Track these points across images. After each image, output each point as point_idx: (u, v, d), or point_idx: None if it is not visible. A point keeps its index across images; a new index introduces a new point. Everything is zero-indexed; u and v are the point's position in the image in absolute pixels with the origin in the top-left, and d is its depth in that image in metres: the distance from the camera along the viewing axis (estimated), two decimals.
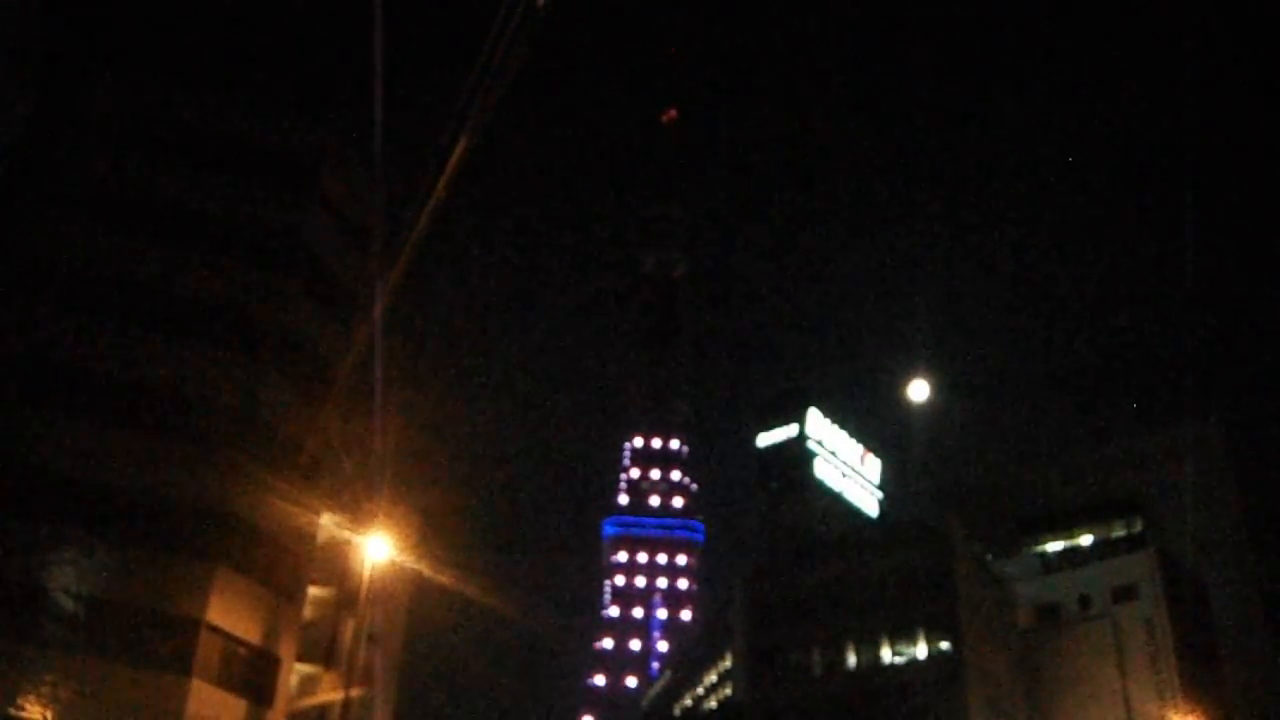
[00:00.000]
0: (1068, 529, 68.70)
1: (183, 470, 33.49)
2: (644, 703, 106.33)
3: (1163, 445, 78.34)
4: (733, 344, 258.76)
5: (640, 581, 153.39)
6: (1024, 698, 59.74)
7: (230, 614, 33.12)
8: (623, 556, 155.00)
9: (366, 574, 30.72)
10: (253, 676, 33.87)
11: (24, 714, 29.19)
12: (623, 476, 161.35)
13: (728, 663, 70.85)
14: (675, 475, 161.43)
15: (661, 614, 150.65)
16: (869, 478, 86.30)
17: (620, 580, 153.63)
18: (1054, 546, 68.34)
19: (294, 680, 36.65)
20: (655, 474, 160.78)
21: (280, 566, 35.47)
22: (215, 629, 32.60)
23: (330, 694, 37.83)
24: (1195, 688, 57.53)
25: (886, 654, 58.36)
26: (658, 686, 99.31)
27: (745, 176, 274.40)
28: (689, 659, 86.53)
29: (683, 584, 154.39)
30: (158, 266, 35.86)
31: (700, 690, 78.99)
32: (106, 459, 32.84)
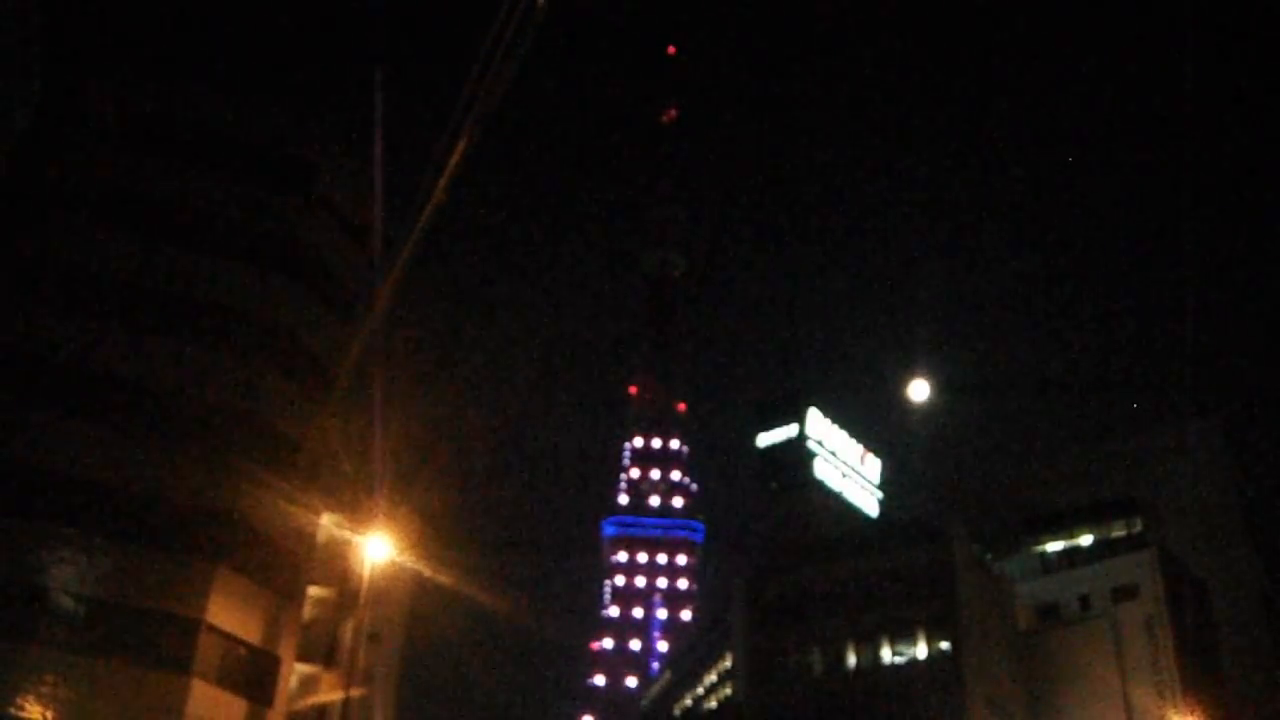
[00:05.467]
0: (1068, 529, 68.61)
1: (183, 470, 33.50)
2: (644, 703, 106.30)
3: (1163, 445, 78.18)
4: (733, 344, 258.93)
5: (640, 581, 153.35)
6: (1024, 698, 59.73)
7: (230, 614, 33.14)
8: (623, 556, 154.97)
9: (366, 574, 30.73)
10: (253, 676, 33.90)
11: (24, 714, 29.19)
12: (623, 476, 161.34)
13: (728, 663, 70.85)
14: (675, 475, 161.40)
15: (661, 614, 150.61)
16: (869, 478, 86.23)
17: (620, 580, 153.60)
18: (1054, 546, 68.26)
19: (294, 680, 36.67)
20: (655, 474, 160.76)
21: (280, 566, 35.50)
22: (215, 629, 32.62)
23: (330, 694, 37.86)
24: (1195, 688, 57.51)
25: (886, 654, 58.35)
26: (658, 686, 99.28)
27: (745, 176, 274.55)
28: (689, 659, 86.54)
29: (683, 584, 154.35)
30: (157, 266, 35.87)
31: (700, 690, 79.01)
32: (106, 459, 32.83)
